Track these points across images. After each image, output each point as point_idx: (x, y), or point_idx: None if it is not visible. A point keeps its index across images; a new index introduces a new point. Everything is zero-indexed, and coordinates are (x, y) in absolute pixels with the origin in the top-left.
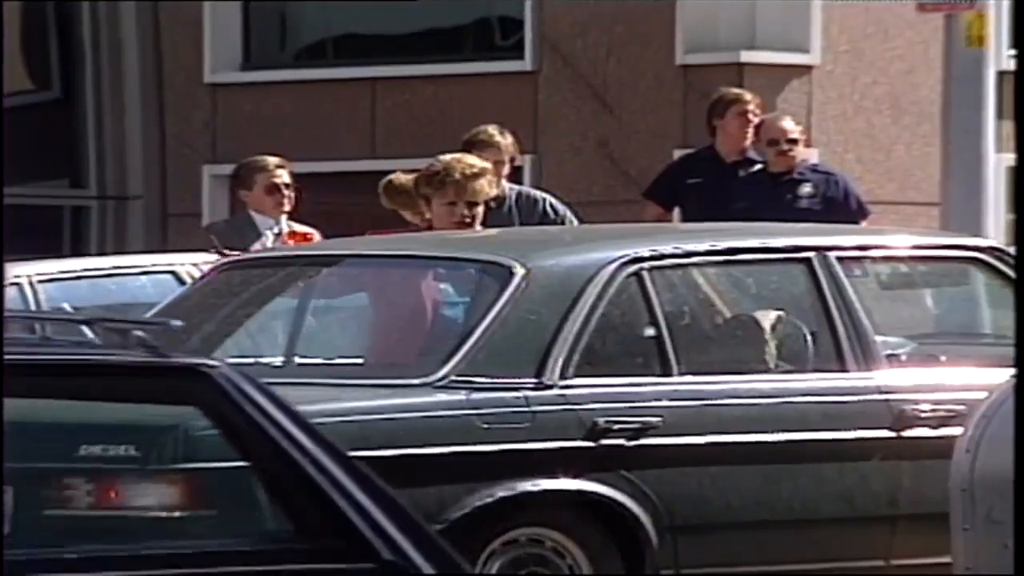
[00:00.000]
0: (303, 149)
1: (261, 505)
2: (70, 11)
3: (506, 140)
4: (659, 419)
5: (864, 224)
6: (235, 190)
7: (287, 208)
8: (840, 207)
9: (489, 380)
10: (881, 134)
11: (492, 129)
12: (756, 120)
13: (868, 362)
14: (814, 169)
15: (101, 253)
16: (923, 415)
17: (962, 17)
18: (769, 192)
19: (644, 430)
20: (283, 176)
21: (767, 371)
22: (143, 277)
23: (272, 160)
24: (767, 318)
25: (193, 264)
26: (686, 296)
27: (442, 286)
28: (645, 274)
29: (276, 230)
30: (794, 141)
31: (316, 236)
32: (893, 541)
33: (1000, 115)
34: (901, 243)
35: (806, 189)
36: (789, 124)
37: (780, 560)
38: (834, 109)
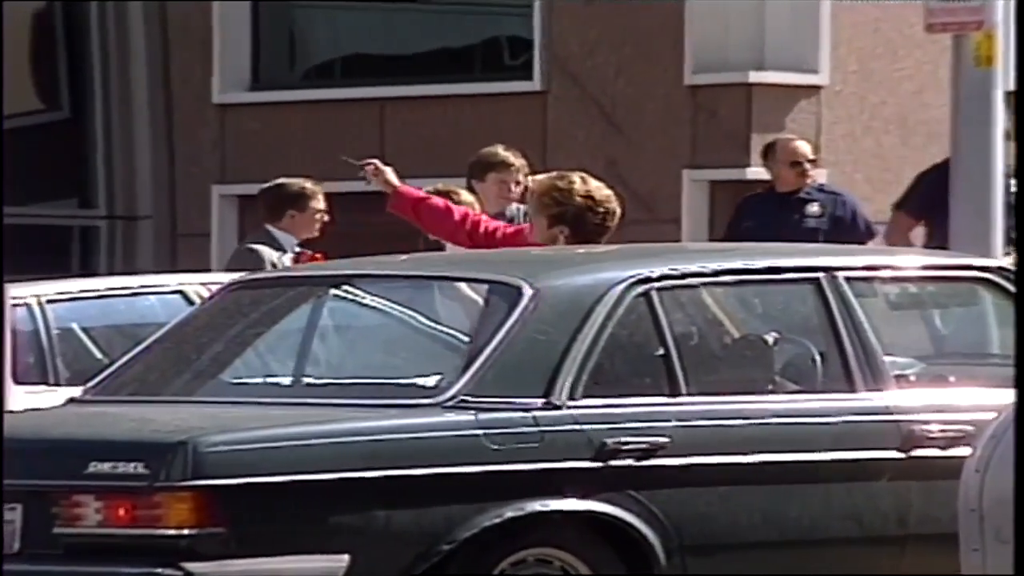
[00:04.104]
0: (312, 169)
1: None
2: (79, 32)
3: (519, 161)
4: (668, 439)
5: (872, 244)
6: (278, 210)
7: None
8: (847, 227)
9: (498, 400)
10: (890, 154)
11: (502, 150)
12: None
13: (877, 382)
14: (821, 189)
15: (110, 273)
16: (932, 435)
17: (970, 37)
18: (775, 211)
19: (653, 450)
20: (322, 201)
21: (776, 391)
22: (152, 297)
23: (318, 187)
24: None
25: (202, 284)
26: (695, 316)
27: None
28: (654, 294)
29: (297, 250)
30: (812, 161)
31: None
32: (902, 561)
33: (1009, 135)
34: (910, 263)
35: (813, 208)
36: (805, 145)
37: None
38: (843, 129)
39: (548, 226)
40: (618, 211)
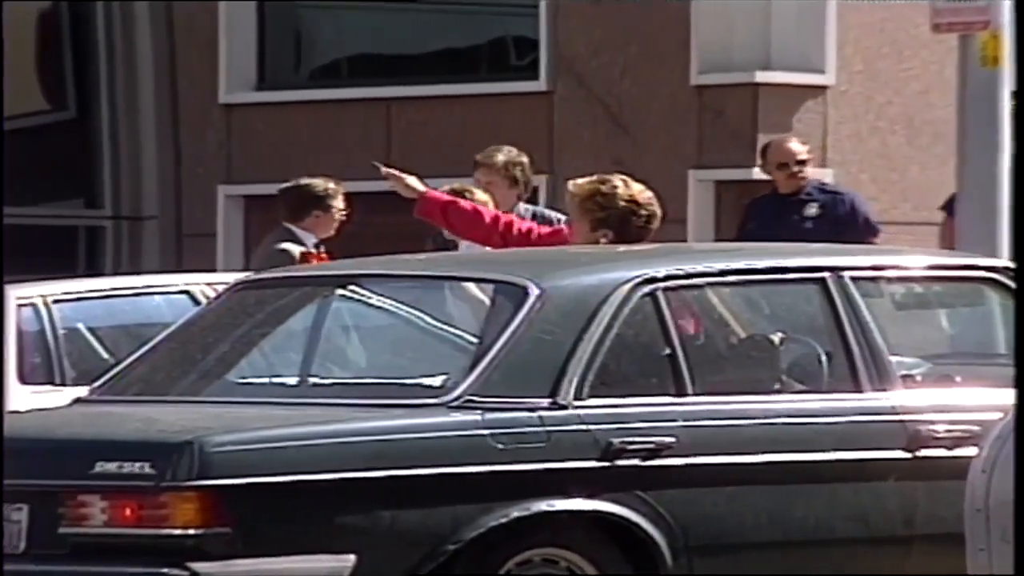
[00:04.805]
0: (318, 169)
1: None
2: (85, 32)
3: (501, 158)
4: (674, 439)
5: (876, 243)
6: (302, 210)
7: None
8: (847, 226)
9: (504, 400)
10: (896, 154)
11: (504, 150)
12: None
13: (883, 382)
14: (822, 189)
15: (116, 273)
16: (938, 435)
17: (977, 37)
18: (776, 212)
19: (659, 450)
20: (343, 200)
21: (782, 391)
22: (158, 297)
23: (339, 186)
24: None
25: (208, 284)
26: (701, 316)
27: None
28: (660, 294)
29: (312, 248)
30: (803, 162)
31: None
32: (908, 562)
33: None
34: (916, 263)
35: (811, 210)
36: (797, 146)
37: None
38: (849, 129)
39: (591, 230)
40: (659, 213)
